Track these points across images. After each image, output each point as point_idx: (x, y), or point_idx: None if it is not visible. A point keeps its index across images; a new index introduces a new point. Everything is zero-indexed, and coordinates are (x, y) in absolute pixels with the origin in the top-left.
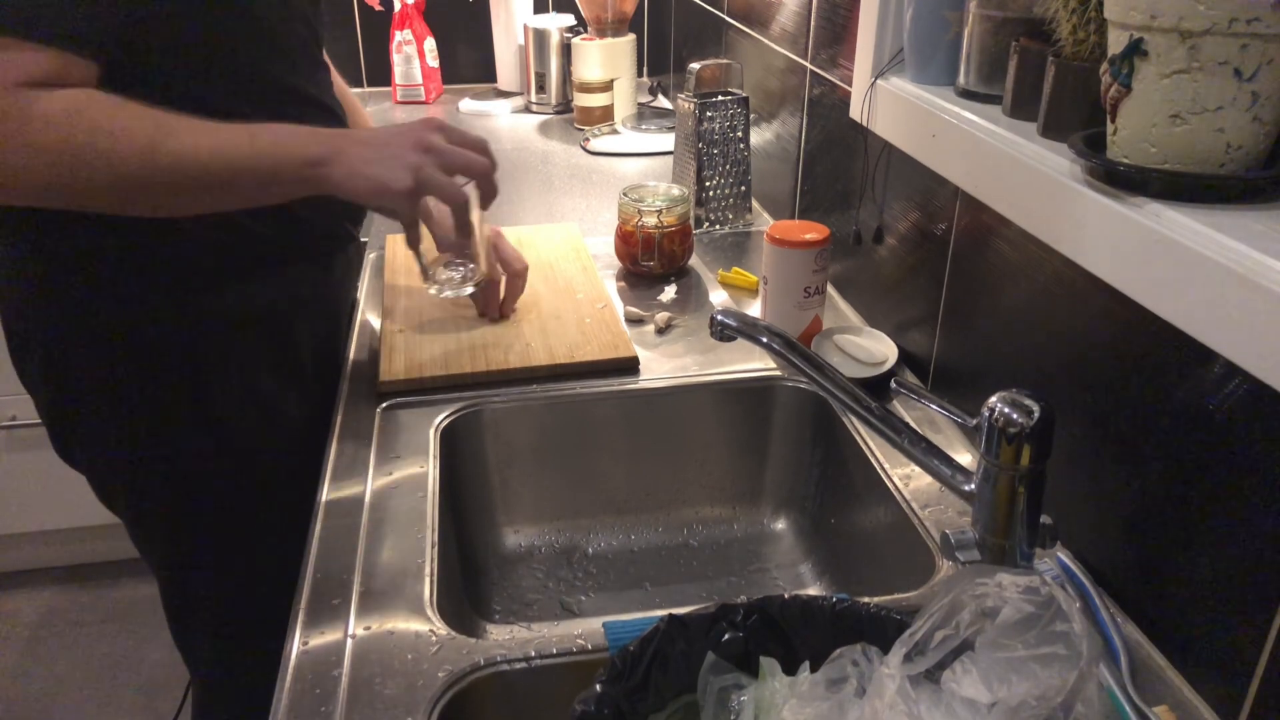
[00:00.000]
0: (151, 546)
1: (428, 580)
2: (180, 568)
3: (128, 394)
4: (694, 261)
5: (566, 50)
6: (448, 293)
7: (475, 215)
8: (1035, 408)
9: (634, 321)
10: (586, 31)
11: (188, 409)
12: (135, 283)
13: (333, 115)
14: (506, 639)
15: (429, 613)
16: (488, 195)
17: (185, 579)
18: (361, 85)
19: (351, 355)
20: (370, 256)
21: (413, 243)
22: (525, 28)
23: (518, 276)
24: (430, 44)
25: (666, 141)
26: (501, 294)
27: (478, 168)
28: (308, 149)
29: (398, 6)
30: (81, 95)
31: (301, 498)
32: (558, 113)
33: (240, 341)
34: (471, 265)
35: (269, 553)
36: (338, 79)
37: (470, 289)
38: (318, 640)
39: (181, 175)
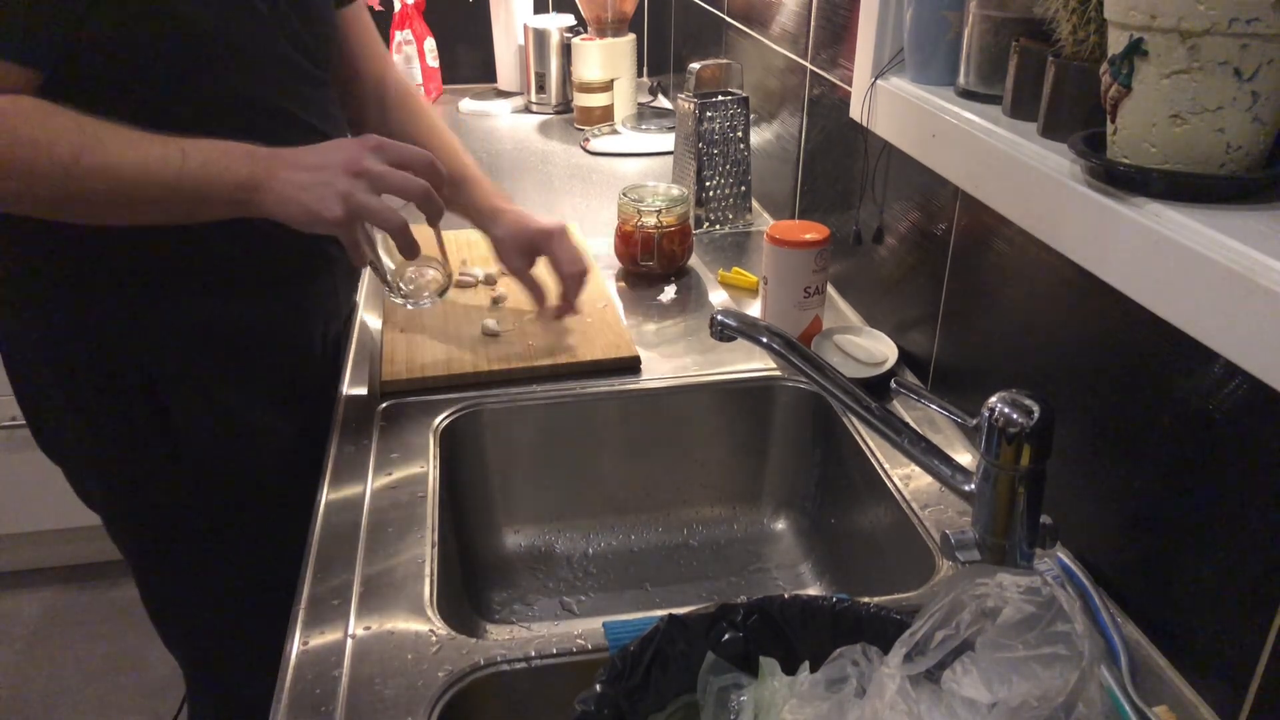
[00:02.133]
0: (124, 545)
1: (428, 580)
2: (152, 569)
3: (85, 398)
4: (694, 261)
5: (566, 50)
6: (410, 304)
7: (431, 228)
8: (1035, 408)
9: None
10: (586, 31)
11: (146, 419)
12: (90, 289)
13: (321, 136)
14: (506, 639)
15: (429, 613)
16: (432, 215)
17: (159, 579)
18: None
19: (352, 355)
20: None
21: (359, 263)
22: (525, 28)
23: (570, 279)
24: (430, 44)
25: (666, 141)
26: (555, 296)
27: (414, 190)
28: (238, 172)
29: (398, 6)
30: (6, 101)
31: (277, 505)
32: (558, 113)
33: (200, 356)
34: (431, 272)
35: (241, 557)
36: (417, 103)
37: (427, 301)
38: (318, 640)
39: (104, 190)
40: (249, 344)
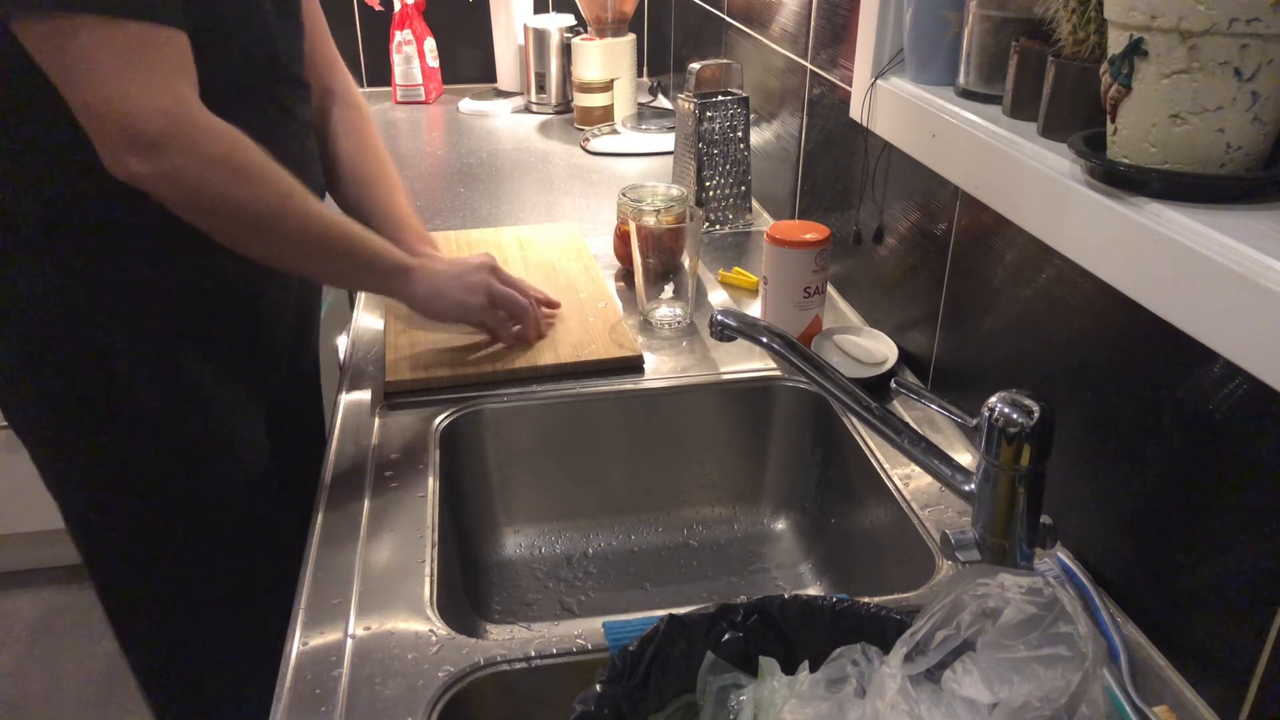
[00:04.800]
0: (82, 538)
1: (428, 580)
2: (110, 565)
3: (44, 375)
4: None
5: (566, 50)
6: None
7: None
8: (1035, 408)
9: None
10: (586, 31)
11: (99, 392)
12: (46, 256)
13: (307, 140)
14: (506, 639)
15: (429, 613)
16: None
17: (118, 574)
18: (362, 85)
19: (352, 356)
20: None
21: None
22: (525, 28)
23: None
24: (430, 44)
25: (666, 141)
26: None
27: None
28: (395, 255)
29: (398, 6)
30: (231, 136)
31: (245, 496)
32: (558, 113)
33: (151, 322)
34: None
35: (207, 552)
36: (364, 130)
37: None
38: (318, 640)
39: (302, 234)
40: (201, 307)
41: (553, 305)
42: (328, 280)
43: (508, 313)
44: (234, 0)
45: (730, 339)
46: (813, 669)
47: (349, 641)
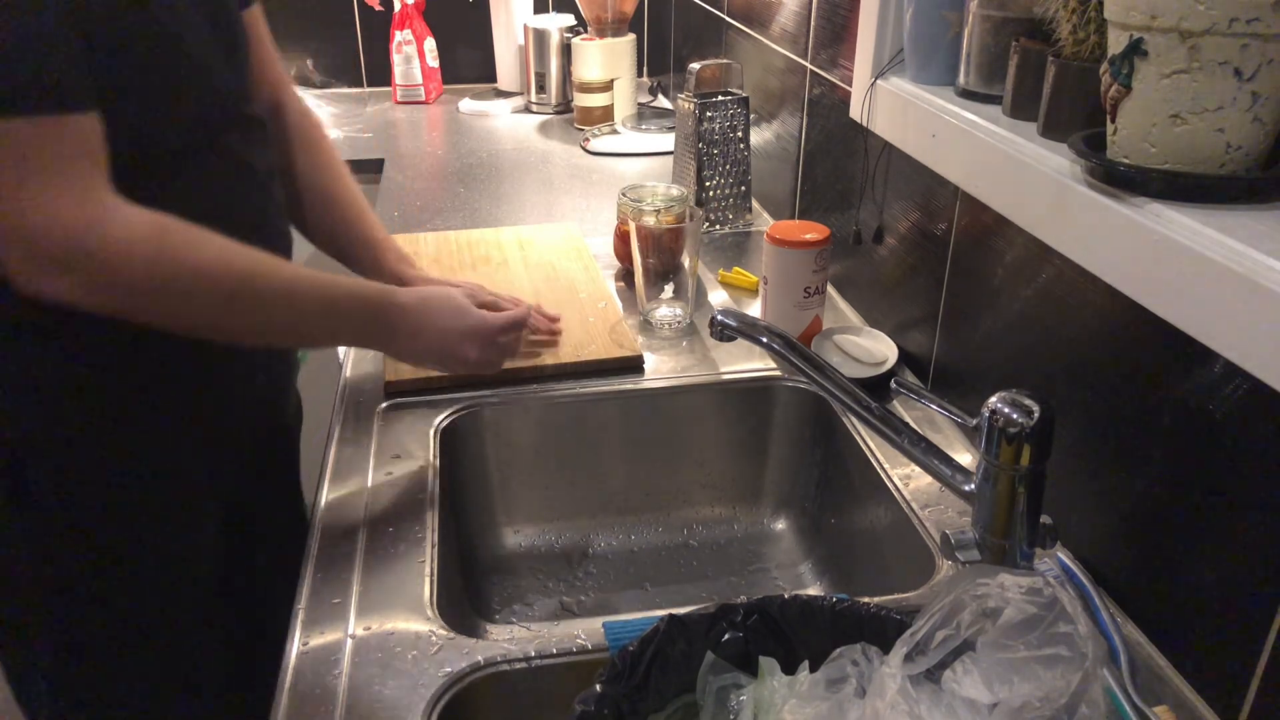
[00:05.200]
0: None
1: (428, 580)
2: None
3: None
4: None
5: (566, 50)
6: None
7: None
8: (1035, 408)
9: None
10: (586, 31)
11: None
12: None
13: (265, 177)
14: (506, 639)
15: (429, 613)
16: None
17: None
18: (362, 85)
19: (352, 355)
20: None
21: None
22: (525, 28)
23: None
24: (430, 44)
25: (666, 141)
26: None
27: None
28: (370, 288)
29: (398, 6)
30: (155, 225)
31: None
32: (558, 113)
33: (66, 418)
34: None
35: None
36: (321, 145)
37: None
38: (318, 640)
39: (263, 309)
40: (139, 397)
41: (552, 318)
42: (298, 346)
43: (512, 333)
44: (154, 46)
45: (730, 339)
46: (813, 669)
47: (349, 642)
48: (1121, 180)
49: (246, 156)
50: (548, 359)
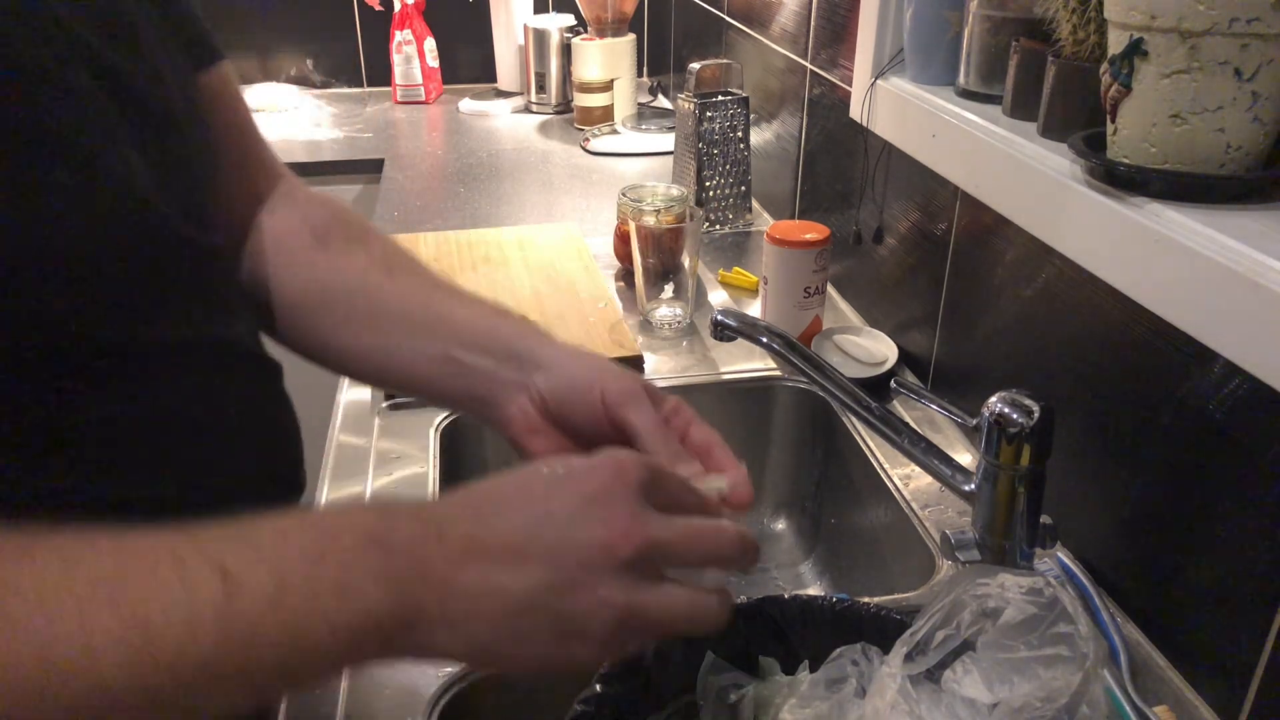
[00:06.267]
0: None
1: None
2: None
3: None
4: None
5: (566, 50)
6: None
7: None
8: (1035, 408)
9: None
10: (586, 31)
11: None
12: None
13: (228, 349)
14: None
15: None
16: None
17: None
18: (361, 85)
19: None
20: None
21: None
22: (525, 28)
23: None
24: (430, 44)
25: (666, 141)
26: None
27: (725, 551)
28: (368, 596)
29: (398, 6)
30: None
31: None
32: (558, 113)
33: None
34: None
35: None
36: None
37: None
38: None
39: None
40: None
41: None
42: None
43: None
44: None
45: (730, 339)
46: (813, 669)
47: None
48: (1121, 180)
49: (220, 362)
50: None
